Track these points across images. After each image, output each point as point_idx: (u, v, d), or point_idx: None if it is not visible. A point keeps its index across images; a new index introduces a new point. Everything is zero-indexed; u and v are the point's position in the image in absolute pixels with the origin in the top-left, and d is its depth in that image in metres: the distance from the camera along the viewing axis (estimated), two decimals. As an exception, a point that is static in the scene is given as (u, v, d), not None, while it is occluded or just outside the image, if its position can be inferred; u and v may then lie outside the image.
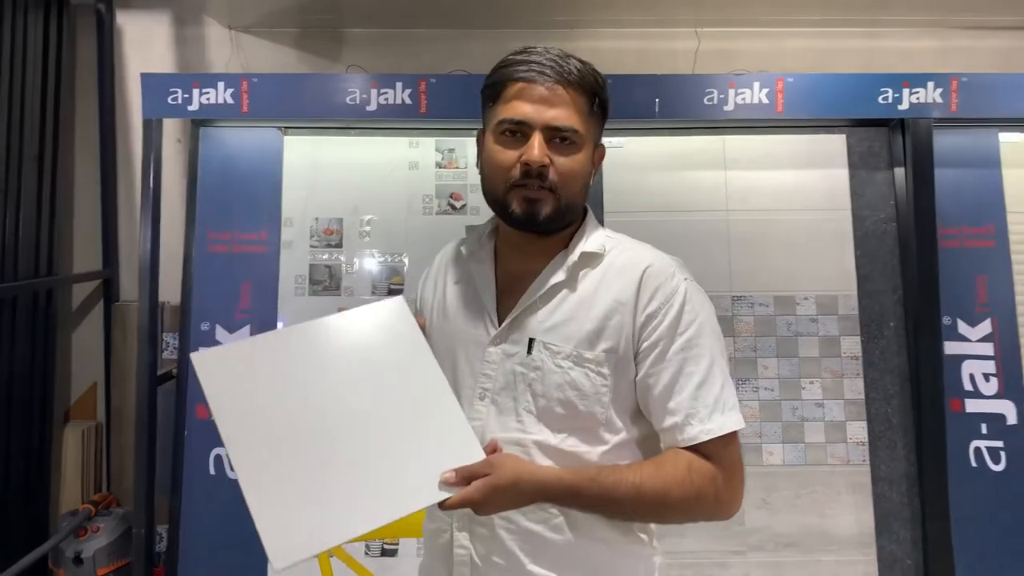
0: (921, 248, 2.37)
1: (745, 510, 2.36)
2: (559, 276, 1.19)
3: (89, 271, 3.00)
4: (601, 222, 1.29)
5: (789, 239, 2.49)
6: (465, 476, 1.04)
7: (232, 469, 2.36)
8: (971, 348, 2.41)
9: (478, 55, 2.89)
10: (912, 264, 2.39)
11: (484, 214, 2.48)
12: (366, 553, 2.34)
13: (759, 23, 2.94)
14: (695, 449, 1.11)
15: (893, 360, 2.41)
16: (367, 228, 2.52)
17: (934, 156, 2.40)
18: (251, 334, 2.43)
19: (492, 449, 1.10)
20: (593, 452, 1.14)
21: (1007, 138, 2.50)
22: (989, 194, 2.47)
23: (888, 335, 2.42)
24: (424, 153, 2.55)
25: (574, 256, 1.20)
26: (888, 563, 2.34)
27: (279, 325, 2.45)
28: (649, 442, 1.19)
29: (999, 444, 2.37)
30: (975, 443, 2.37)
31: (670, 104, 2.39)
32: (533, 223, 1.15)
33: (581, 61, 1.16)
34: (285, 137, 2.53)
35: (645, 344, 1.14)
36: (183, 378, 2.43)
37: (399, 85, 2.40)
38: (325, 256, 2.51)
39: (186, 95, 2.40)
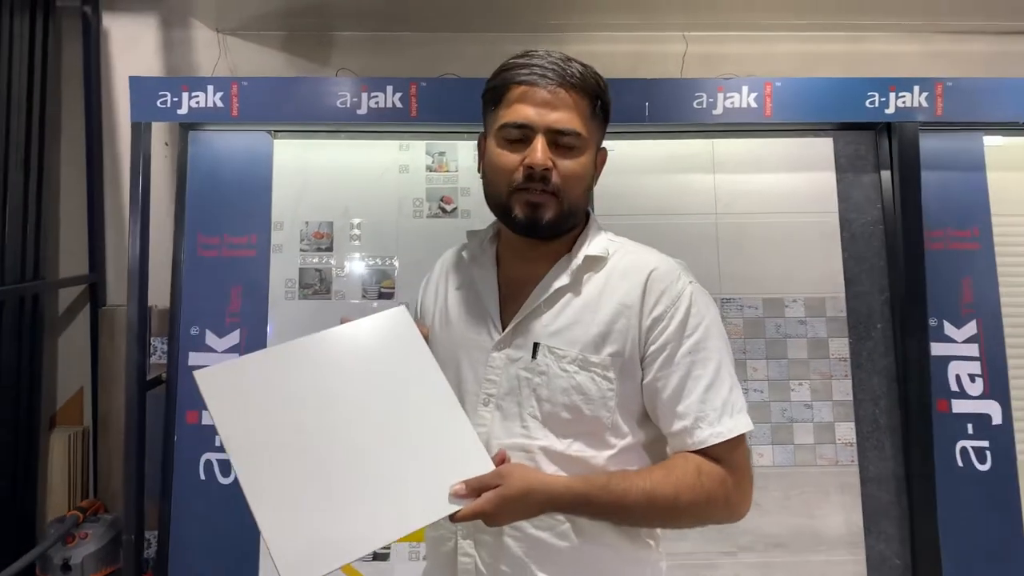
0: (908, 250, 2.39)
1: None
2: (563, 280, 1.18)
3: (75, 275, 2.98)
4: None
5: (777, 242, 2.50)
6: (475, 488, 1.03)
7: (222, 475, 2.37)
8: (957, 349, 2.44)
9: (468, 58, 2.91)
10: (899, 266, 2.41)
11: (474, 217, 2.52)
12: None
13: (746, 27, 2.96)
14: (704, 453, 1.11)
15: (880, 361, 2.43)
16: (357, 232, 2.52)
17: (920, 159, 2.42)
18: (241, 338, 2.43)
19: (501, 459, 1.09)
20: (599, 457, 1.14)
21: (991, 141, 2.53)
22: (974, 197, 2.50)
23: (876, 336, 2.44)
24: (414, 156, 2.55)
25: (578, 260, 1.19)
26: (876, 562, 2.35)
27: (269, 329, 2.45)
28: (656, 446, 1.19)
29: (984, 444, 2.40)
30: (961, 443, 2.40)
31: (660, 108, 2.40)
32: (536, 229, 1.15)
33: (583, 64, 1.16)
34: (275, 141, 2.52)
35: (652, 348, 1.13)
36: (173, 383, 2.41)
37: (390, 88, 2.40)
38: (315, 260, 2.50)
39: (175, 98, 2.38)
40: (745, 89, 2.42)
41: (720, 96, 2.42)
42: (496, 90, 1.17)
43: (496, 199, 1.18)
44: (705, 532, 2.36)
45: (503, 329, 1.20)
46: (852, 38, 3.00)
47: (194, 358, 2.41)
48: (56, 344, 3.00)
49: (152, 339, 2.55)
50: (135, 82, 2.41)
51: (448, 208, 2.53)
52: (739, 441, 1.12)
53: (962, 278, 2.46)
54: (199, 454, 2.37)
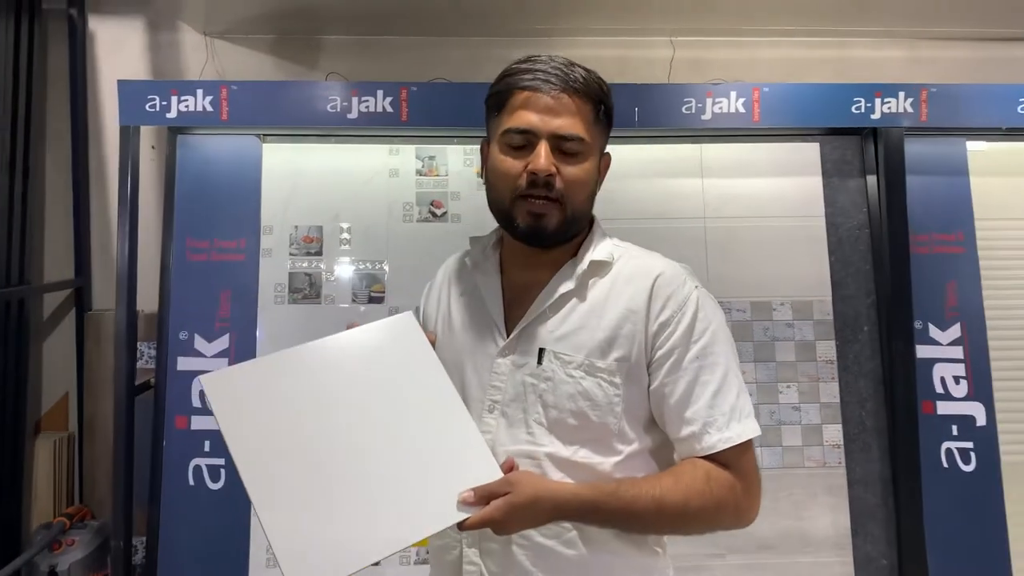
0: (893, 254, 2.42)
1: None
2: (568, 285, 1.17)
3: (61, 280, 2.95)
4: None
5: (765, 245, 2.53)
6: (483, 495, 1.02)
7: (211, 481, 2.35)
8: (942, 352, 2.46)
9: (456, 63, 2.92)
10: (885, 270, 2.44)
11: (464, 221, 2.52)
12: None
13: (732, 32, 2.98)
14: (712, 458, 1.10)
15: (867, 364, 2.46)
16: (347, 236, 2.51)
17: (905, 164, 2.45)
18: (230, 343, 2.41)
19: (509, 467, 1.08)
20: (606, 463, 1.13)
21: (974, 147, 2.56)
22: (958, 201, 2.53)
23: (862, 339, 2.47)
24: (404, 160, 2.54)
25: (583, 265, 1.18)
26: (863, 563, 2.38)
27: (258, 334, 2.44)
28: (662, 452, 1.18)
29: (969, 445, 2.42)
30: (946, 444, 2.42)
31: (649, 113, 2.42)
32: (539, 237, 1.15)
33: (586, 69, 1.15)
34: (264, 144, 2.52)
35: (659, 353, 1.13)
36: (161, 388, 2.39)
37: (380, 93, 2.40)
38: (305, 264, 2.49)
39: (164, 102, 2.37)
40: (733, 94, 2.44)
41: (709, 101, 2.43)
42: (499, 95, 1.17)
43: (499, 205, 1.17)
44: (694, 534, 2.38)
45: (508, 335, 1.19)
46: (838, 44, 3.03)
47: (183, 363, 2.40)
48: (41, 349, 2.97)
49: (139, 344, 2.52)
50: (123, 85, 2.39)
51: (438, 212, 2.53)
52: (747, 446, 1.12)
53: (947, 282, 2.49)
54: (188, 459, 2.36)
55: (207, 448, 2.36)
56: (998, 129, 2.50)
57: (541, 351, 1.15)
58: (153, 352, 2.54)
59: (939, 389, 2.45)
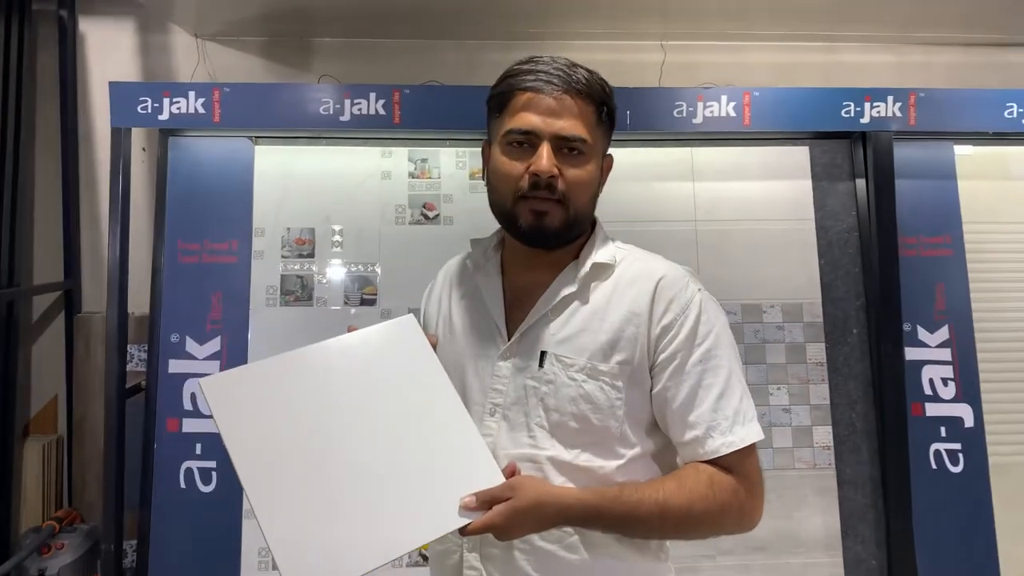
0: (882, 257, 2.44)
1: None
2: (570, 288, 1.16)
3: (50, 282, 2.94)
4: None
5: (755, 248, 2.54)
6: (486, 500, 1.01)
7: (203, 484, 2.35)
8: (930, 354, 2.48)
9: (450, 66, 2.92)
10: (874, 272, 2.46)
11: (457, 224, 2.52)
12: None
13: (723, 37, 3.00)
14: (715, 462, 1.09)
15: (857, 366, 2.48)
16: (339, 238, 2.51)
17: (894, 168, 2.47)
18: (222, 345, 2.41)
19: (511, 471, 1.07)
20: (608, 467, 1.12)
21: (962, 151, 2.59)
22: (946, 205, 2.55)
23: (852, 342, 2.49)
24: (397, 163, 2.55)
25: (585, 267, 1.18)
26: (853, 564, 2.39)
27: (250, 336, 2.43)
28: (664, 456, 1.17)
29: (957, 446, 2.44)
30: (935, 446, 2.44)
31: (641, 116, 2.43)
32: (541, 237, 1.14)
33: (588, 70, 1.15)
34: (256, 147, 2.51)
35: (662, 356, 1.12)
36: (152, 390, 2.38)
37: (372, 95, 2.40)
38: (297, 266, 2.49)
39: (156, 104, 2.37)
40: (724, 98, 2.45)
41: (700, 105, 2.45)
42: (501, 96, 1.16)
43: (501, 207, 1.16)
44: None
45: (509, 338, 1.18)
46: (827, 49, 3.06)
47: (174, 365, 2.39)
48: (30, 351, 2.96)
49: (129, 346, 2.51)
50: (115, 87, 2.38)
51: (430, 215, 2.53)
52: (751, 450, 1.11)
53: (935, 284, 2.51)
54: (179, 462, 2.35)
55: (199, 451, 2.35)
56: (985, 133, 2.53)
57: (543, 354, 1.14)
58: (144, 354, 2.52)
59: (928, 391, 2.47)
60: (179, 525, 2.33)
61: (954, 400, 2.46)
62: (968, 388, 2.47)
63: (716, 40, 3.02)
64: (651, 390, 1.14)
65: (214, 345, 2.41)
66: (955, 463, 2.44)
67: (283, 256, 2.49)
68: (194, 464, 2.35)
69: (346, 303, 2.48)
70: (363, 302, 2.49)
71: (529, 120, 1.11)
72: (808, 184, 2.57)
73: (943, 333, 2.49)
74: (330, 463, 1.04)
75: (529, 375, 1.14)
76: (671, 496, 1.06)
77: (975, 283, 2.52)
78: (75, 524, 2.64)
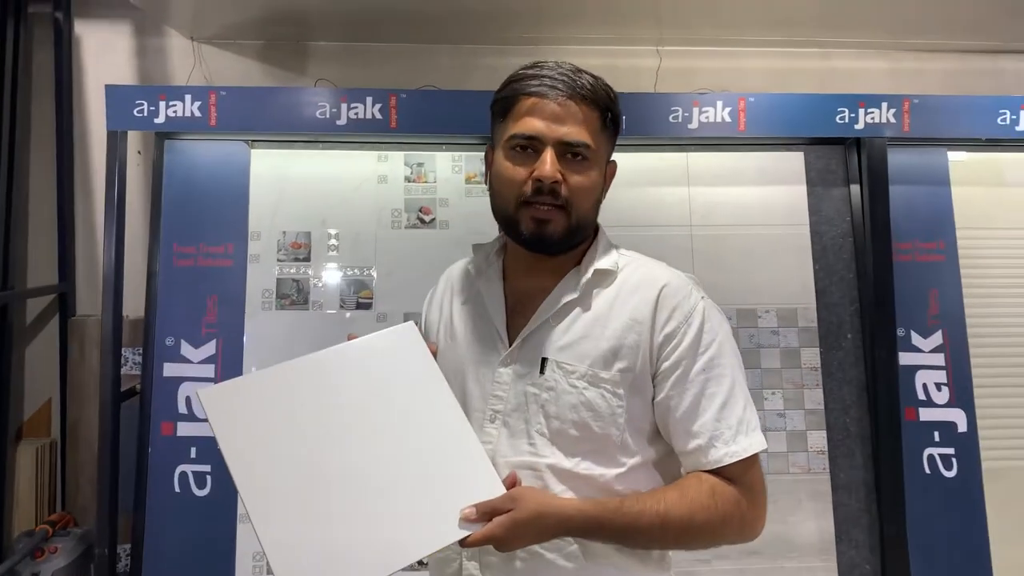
0: (876, 262, 2.45)
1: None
2: (572, 294, 1.16)
3: (44, 285, 2.93)
4: None
5: (750, 254, 2.55)
6: (486, 512, 1.00)
7: (197, 488, 2.34)
8: (924, 359, 2.49)
9: (446, 70, 2.92)
10: (868, 278, 2.47)
11: (453, 228, 2.52)
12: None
13: (718, 43, 3.01)
14: (718, 472, 1.08)
15: (851, 371, 2.48)
16: (335, 242, 2.51)
17: (888, 174, 2.48)
18: (217, 349, 2.40)
19: (512, 482, 1.06)
20: (608, 475, 1.11)
21: (955, 157, 2.60)
22: (940, 210, 2.57)
23: (846, 346, 2.50)
24: (393, 167, 2.55)
25: (587, 274, 1.17)
26: (847, 568, 2.40)
27: (245, 340, 2.43)
28: (665, 464, 1.16)
29: (951, 451, 2.45)
30: (928, 450, 2.45)
31: (637, 121, 2.44)
32: (543, 244, 1.13)
33: (593, 76, 1.14)
34: (252, 150, 2.51)
35: (665, 365, 1.11)
36: (147, 394, 2.38)
37: (369, 100, 2.40)
38: (292, 270, 2.49)
39: (152, 107, 2.37)
40: (720, 104, 2.47)
41: (696, 111, 2.46)
42: (505, 101, 1.15)
43: (503, 212, 1.16)
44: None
45: (510, 344, 1.17)
46: (822, 55, 3.07)
47: (169, 369, 2.39)
48: (24, 355, 2.94)
49: (124, 350, 2.51)
50: (111, 90, 2.38)
51: (426, 219, 2.53)
52: (753, 460, 1.10)
53: (929, 289, 2.52)
54: (174, 466, 2.34)
55: (193, 455, 2.34)
56: (979, 140, 2.54)
57: (544, 361, 1.13)
58: (138, 358, 2.51)
59: (921, 396, 2.47)
60: (173, 529, 2.32)
61: (948, 405, 2.47)
62: (961, 393, 2.48)
63: (712, 46, 3.03)
64: (653, 398, 1.13)
65: (209, 349, 2.41)
66: (948, 468, 2.44)
67: (279, 260, 2.49)
68: (188, 468, 2.34)
69: (342, 307, 2.48)
70: (359, 306, 2.48)
71: (533, 125, 1.11)
72: (803, 189, 2.58)
73: (937, 338, 2.50)
74: (329, 473, 1.03)
75: (530, 382, 1.13)
76: (672, 507, 1.05)
77: (968, 288, 2.54)
78: (68, 528, 2.63)
